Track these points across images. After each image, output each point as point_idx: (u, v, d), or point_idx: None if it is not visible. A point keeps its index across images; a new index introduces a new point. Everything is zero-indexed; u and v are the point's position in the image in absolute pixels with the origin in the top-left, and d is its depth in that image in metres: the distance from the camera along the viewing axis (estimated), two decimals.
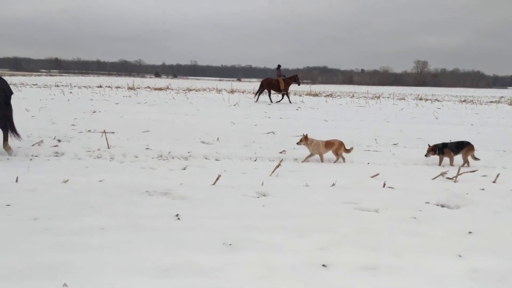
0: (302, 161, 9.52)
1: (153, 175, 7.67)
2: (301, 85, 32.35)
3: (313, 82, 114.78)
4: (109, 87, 43.40)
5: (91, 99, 24.87)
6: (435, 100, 43.02)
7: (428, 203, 6.28)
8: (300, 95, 39.67)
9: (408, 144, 12.32)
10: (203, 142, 11.24)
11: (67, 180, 6.81)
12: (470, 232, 5.01)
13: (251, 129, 14.13)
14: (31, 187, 6.27)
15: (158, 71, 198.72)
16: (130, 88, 40.10)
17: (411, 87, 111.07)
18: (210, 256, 4.10)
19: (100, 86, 43.75)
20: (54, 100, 23.59)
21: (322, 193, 6.63)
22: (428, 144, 9.87)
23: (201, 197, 6.10)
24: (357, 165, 9.41)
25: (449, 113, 25.50)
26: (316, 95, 43.13)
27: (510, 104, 37.37)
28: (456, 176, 8.01)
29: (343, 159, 9.67)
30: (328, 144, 9.58)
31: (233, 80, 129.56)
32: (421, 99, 43.75)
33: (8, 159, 8.54)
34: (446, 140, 10.60)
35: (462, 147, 9.58)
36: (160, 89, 42.57)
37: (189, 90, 44.02)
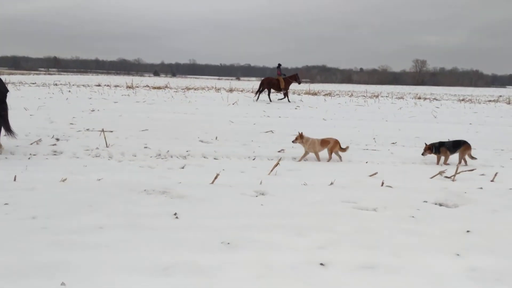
0: (298, 160, 9.52)
1: (152, 174, 7.67)
2: (300, 84, 32.29)
3: (312, 81, 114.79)
4: (107, 86, 43.33)
5: (90, 98, 24.84)
6: (433, 99, 43.05)
7: (426, 202, 6.29)
8: (299, 94, 39.68)
9: (407, 143, 12.33)
10: (201, 141, 11.24)
11: (65, 179, 6.80)
12: (468, 231, 5.02)
13: (249, 128, 14.13)
14: (29, 186, 6.27)
15: (157, 70, 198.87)
16: (128, 87, 40.05)
17: (409, 86, 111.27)
18: (208, 255, 4.10)
19: (99, 85, 43.69)
20: (52, 99, 23.55)
21: (321, 192, 6.63)
22: (425, 143, 9.88)
23: (199, 196, 6.10)
24: (356, 164, 9.41)
25: (448, 112, 25.51)
26: (315, 94, 43.14)
27: (509, 103, 37.41)
28: (454, 175, 8.02)
29: (340, 157, 9.67)
30: (324, 142, 9.58)
31: (232, 79, 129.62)
32: (419, 98, 43.79)
33: (6, 158, 8.52)
34: (445, 139, 10.61)
35: (459, 146, 9.58)
36: (158, 88, 42.52)
37: (188, 89, 43.98)
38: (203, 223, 4.98)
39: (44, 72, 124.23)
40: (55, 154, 9.10)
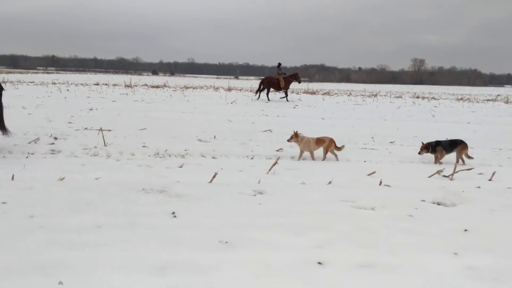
0: (298, 159, 9.52)
1: (150, 173, 7.66)
2: (300, 83, 32.27)
3: (311, 80, 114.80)
4: (106, 84, 43.26)
5: (88, 97, 24.79)
6: (432, 98, 43.07)
7: (424, 201, 6.30)
8: (298, 93, 39.66)
9: (405, 142, 12.34)
10: (200, 140, 11.24)
11: (63, 178, 6.79)
12: (466, 230, 5.03)
13: (248, 127, 14.13)
14: (27, 185, 6.26)
15: (155, 68, 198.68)
16: (127, 86, 39.99)
17: (408, 85, 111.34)
18: (206, 254, 4.10)
19: (97, 84, 43.62)
20: (51, 97, 23.49)
21: (319, 191, 6.64)
22: (422, 142, 9.89)
23: (197, 195, 6.10)
24: (354, 163, 9.43)
25: (446, 111, 25.54)
26: (313, 93, 43.12)
27: (507, 103, 37.46)
28: (452, 174, 8.04)
29: (336, 156, 9.67)
30: (319, 141, 9.57)
31: (230, 78, 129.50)
32: (418, 97, 43.79)
33: (4, 156, 8.51)
34: (443, 138, 10.62)
35: (455, 145, 9.59)
36: (157, 87, 42.45)
37: (186, 88, 43.94)
38: (201, 222, 4.98)
39: (43, 71, 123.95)
40: (53, 153, 9.09)
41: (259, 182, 7.12)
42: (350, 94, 45.66)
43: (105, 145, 9.84)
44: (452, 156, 9.69)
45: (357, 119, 18.60)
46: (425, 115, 21.75)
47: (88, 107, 18.58)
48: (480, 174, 8.43)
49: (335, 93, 45.77)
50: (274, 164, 8.05)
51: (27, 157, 8.57)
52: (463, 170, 8.37)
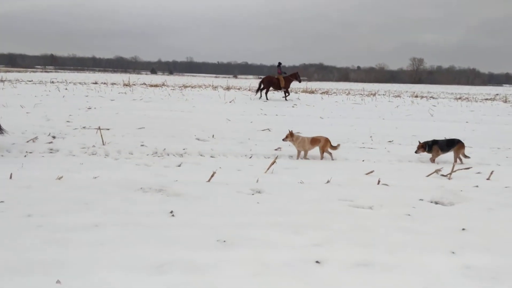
0: (296, 158, 9.53)
1: (148, 172, 7.66)
2: (300, 83, 32.29)
3: (309, 79, 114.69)
4: (104, 83, 43.23)
5: (87, 96, 24.75)
6: (430, 97, 43.11)
7: (422, 200, 6.31)
8: (296, 92, 39.65)
9: (403, 141, 12.34)
10: (198, 139, 11.23)
11: (61, 177, 6.78)
12: (463, 229, 5.03)
13: (246, 126, 14.12)
14: (25, 184, 6.25)
15: (154, 67, 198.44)
16: (125, 85, 39.97)
17: (406, 84, 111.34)
18: (204, 253, 4.10)
19: (96, 83, 43.56)
20: (49, 96, 23.46)
21: (317, 190, 6.64)
22: (419, 141, 9.90)
23: (195, 194, 6.10)
24: (352, 162, 9.43)
25: (445, 110, 25.56)
26: (312, 92, 43.14)
27: (505, 102, 37.52)
28: (450, 173, 8.05)
29: (330, 155, 9.66)
30: (314, 141, 9.55)
31: (229, 77, 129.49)
32: (416, 96, 43.82)
33: (2, 155, 8.49)
34: (441, 137, 10.63)
35: (453, 145, 9.59)
36: (155, 85, 42.42)
37: (185, 86, 43.92)
38: (199, 221, 4.98)
39: (41, 70, 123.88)
40: (51, 152, 9.07)
41: (257, 181, 7.12)
42: (349, 93, 45.67)
43: (103, 144, 9.83)
44: (450, 155, 9.70)
45: (356, 118, 18.60)
46: (424, 114, 21.76)
47: (87, 106, 18.56)
48: (478, 173, 8.44)
49: (334, 92, 45.79)
50: (273, 163, 8.05)
51: (25, 156, 8.55)
52: (461, 169, 8.38)
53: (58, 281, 3.45)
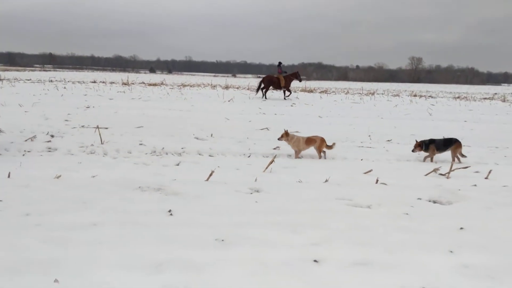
0: (295, 158, 9.53)
1: (147, 170, 7.65)
2: (301, 82, 32.31)
3: (308, 78, 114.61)
4: (103, 82, 43.22)
5: (85, 95, 24.74)
6: (429, 96, 43.14)
7: (421, 199, 6.31)
8: (295, 92, 39.67)
9: (402, 140, 12.35)
10: (197, 138, 11.22)
11: (59, 176, 6.78)
12: (461, 228, 5.04)
13: (245, 125, 14.12)
14: (23, 183, 6.24)
15: (152, 66, 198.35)
16: (124, 84, 39.96)
17: (405, 84, 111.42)
18: (202, 252, 4.10)
19: (94, 82, 43.54)
20: (47, 95, 23.45)
21: (316, 189, 6.64)
22: (416, 140, 9.91)
23: (194, 193, 6.10)
24: (351, 161, 9.43)
25: (443, 109, 25.59)
26: (311, 91, 43.18)
27: (504, 101, 37.56)
28: (448, 172, 8.05)
29: (324, 153, 9.65)
30: (309, 141, 9.52)
31: (228, 76, 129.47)
32: (415, 95, 43.86)
33: (0, 154, 8.48)
34: (440, 136, 10.64)
35: (450, 144, 9.59)
36: (154, 84, 42.43)
37: (184, 85, 43.92)
38: (198, 220, 4.98)
39: (39, 69, 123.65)
40: (49, 151, 9.07)
41: (255, 180, 7.11)
42: (348, 92, 45.69)
43: (101, 143, 9.82)
44: (448, 155, 9.71)
45: (354, 117, 18.60)
46: (422, 114, 21.78)
47: (85, 105, 18.55)
48: (477, 172, 8.45)
49: (333, 91, 45.81)
50: (271, 162, 8.05)
51: (23, 155, 8.55)
52: (459, 168, 8.39)
53: (56, 280, 3.45)
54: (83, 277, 3.55)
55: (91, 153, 9.04)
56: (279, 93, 31.52)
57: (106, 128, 11.93)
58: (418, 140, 9.78)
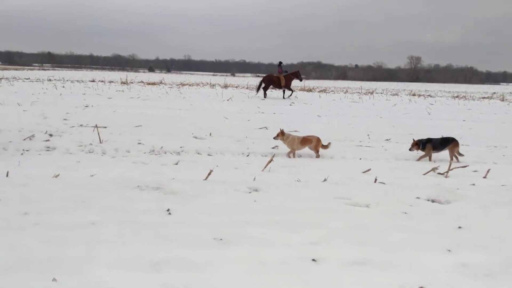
0: (293, 157, 9.52)
1: (145, 170, 7.65)
2: (302, 81, 32.36)
3: (307, 77, 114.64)
4: (102, 81, 43.19)
5: (84, 94, 24.73)
6: (428, 95, 43.17)
7: (419, 198, 6.32)
8: (294, 91, 39.67)
9: (401, 139, 12.34)
10: (195, 137, 11.22)
11: (58, 175, 6.77)
12: (460, 227, 5.04)
13: (244, 124, 14.11)
14: (22, 182, 6.24)
15: (151, 65, 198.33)
16: (123, 83, 39.93)
17: (404, 83, 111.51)
18: (201, 251, 4.10)
19: (93, 81, 43.53)
20: (46, 94, 23.44)
21: (314, 189, 6.64)
22: (413, 139, 9.92)
23: (192, 192, 6.09)
24: (349, 160, 9.43)
25: (442, 109, 25.60)
26: (309, 90, 43.20)
27: (502, 100, 37.59)
28: (447, 172, 8.06)
29: (317, 153, 9.66)
30: (305, 141, 9.50)
31: (227, 75, 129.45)
32: (414, 94, 43.88)
33: None
34: (438, 135, 10.64)
35: (447, 143, 9.59)
36: (153, 83, 42.42)
37: (183, 84, 43.91)
38: (196, 219, 4.97)
39: (38, 68, 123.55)
40: (48, 150, 9.06)
41: (254, 179, 7.11)
42: (347, 91, 45.71)
43: (100, 142, 9.81)
44: (446, 154, 9.71)
45: (353, 116, 18.60)
46: (421, 113, 21.78)
47: (84, 104, 18.54)
48: (475, 171, 8.45)
49: (332, 91, 45.82)
50: (270, 162, 8.05)
51: (22, 154, 8.54)
52: (458, 167, 8.39)
53: (54, 279, 3.45)
54: (81, 276, 3.54)
55: (90, 152, 9.03)
56: (278, 93, 31.50)
57: (105, 127, 11.92)
58: (415, 139, 9.79)
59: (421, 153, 9.75)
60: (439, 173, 8.15)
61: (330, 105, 24.69)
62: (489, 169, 8.21)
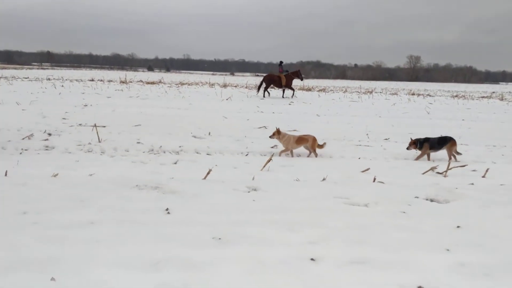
0: (291, 156, 9.52)
1: (144, 169, 7.65)
2: (302, 80, 32.39)
3: (307, 77, 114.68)
4: (101, 80, 43.15)
5: (83, 93, 24.71)
6: (427, 95, 43.20)
7: (418, 197, 6.32)
8: (295, 90, 39.67)
9: (400, 139, 12.36)
10: (194, 137, 11.22)
11: (57, 174, 6.77)
12: (458, 227, 5.05)
13: (243, 124, 14.12)
14: (20, 181, 6.22)
15: (151, 65, 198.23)
16: (122, 82, 39.88)
17: (403, 82, 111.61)
18: (200, 251, 4.09)
19: (92, 80, 43.51)
20: (45, 93, 23.42)
21: (313, 188, 6.64)
22: (411, 138, 9.93)
23: (191, 191, 6.09)
24: (348, 160, 9.44)
25: (441, 108, 25.62)
26: (309, 89, 43.21)
27: (502, 100, 37.62)
28: (446, 171, 8.06)
29: (310, 153, 9.66)
30: (300, 140, 9.50)
31: (226, 74, 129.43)
32: (413, 94, 43.92)
33: None
34: (437, 135, 10.65)
35: (445, 142, 9.60)
36: (152, 83, 42.40)
37: (182, 84, 43.89)
38: (195, 219, 4.97)
39: (37, 67, 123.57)
40: (47, 149, 9.05)
41: (253, 178, 7.11)
42: (346, 91, 45.74)
43: (99, 141, 9.81)
44: (445, 153, 9.72)
45: (352, 116, 18.62)
46: (420, 112, 21.80)
47: (83, 103, 18.53)
48: (474, 171, 8.46)
49: (331, 90, 45.85)
50: (269, 161, 8.05)
51: (20, 153, 8.53)
52: (456, 167, 8.40)
53: (52, 279, 3.44)
54: (80, 275, 3.54)
55: (89, 151, 9.03)
56: (277, 92, 31.50)
57: (104, 126, 11.91)
58: (413, 138, 9.80)
59: (419, 152, 9.76)
60: (438, 173, 8.16)
61: (329, 104, 24.70)
62: (488, 169, 8.22)
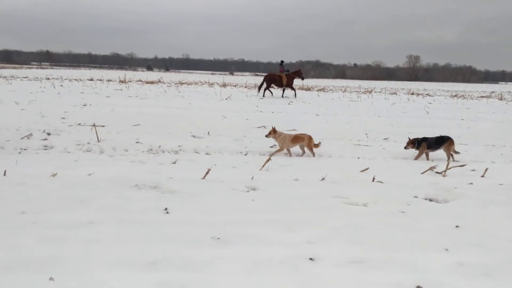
0: (290, 156, 9.52)
1: (143, 169, 7.64)
2: (303, 80, 32.41)
3: (306, 76, 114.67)
4: (100, 80, 43.13)
5: (82, 92, 24.69)
6: (426, 95, 43.21)
7: (417, 197, 6.32)
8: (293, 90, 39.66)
9: (399, 138, 12.34)
10: (193, 136, 11.21)
11: (56, 174, 6.76)
12: (457, 226, 5.05)
13: (242, 123, 14.11)
14: (19, 181, 6.22)
15: (150, 64, 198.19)
16: (121, 82, 39.86)
17: (403, 82, 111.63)
18: (199, 250, 4.10)
19: (91, 79, 43.48)
20: (44, 93, 23.39)
21: (312, 188, 6.64)
22: (409, 137, 9.94)
23: (190, 191, 6.09)
24: (347, 159, 9.43)
25: (441, 108, 25.63)
26: (308, 89, 43.21)
27: (501, 99, 37.64)
28: (445, 171, 8.06)
29: (304, 152, 9.65)
30: (296, 139, 9.50)
31: (225, 74, 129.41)
32: (412, 93, 43.93)
33: None
34: (437, 134, 10.65)
35: (442, 142, 9.60)
36: (151, 82, 42.36)
37: (181, 83, 43.86)
38: (194, 218, 4.97)
39: (36, 66, 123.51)
40: (46, 149, 9.04)
41: (252, 178, 7.11)
42: (345, 90, 45.75)
43: (98, 141, 9.80)
44: (443, 153, 9.72)
45: (352, 115, 18.62)
46: (420, 112, 21.81)
47: (82, 102, 18.51)
48: (473, 170, 8.47)
49: (330, 90, 45.85)
50: (268, 161, 8.05)
51: (19, 153, 8.52)
52: (456, 166, 8.40)
53: (51, 278, 3.44)
54: (80, 275, 3.54)
55: (88, 151, 9.02)
56: (277, 92, 31.48)
57: (103, 126, 11.90)
58: (411, 138, 9.81)
59: (418, 151, 9.77)
60: (437, 172, 8.16)
61: (329, 104, 24.71)
62: (487, 168, 8.23)
